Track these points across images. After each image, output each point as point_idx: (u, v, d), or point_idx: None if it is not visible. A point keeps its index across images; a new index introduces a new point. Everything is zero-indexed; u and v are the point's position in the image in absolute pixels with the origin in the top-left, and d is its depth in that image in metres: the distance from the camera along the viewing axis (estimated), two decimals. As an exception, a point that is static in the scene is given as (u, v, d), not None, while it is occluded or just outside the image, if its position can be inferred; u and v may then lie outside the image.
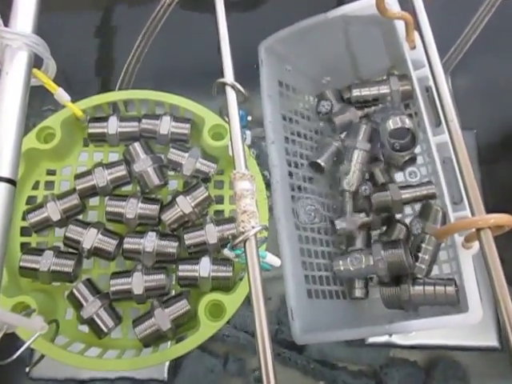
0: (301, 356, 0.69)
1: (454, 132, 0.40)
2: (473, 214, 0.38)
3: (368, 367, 0.69)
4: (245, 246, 0.37)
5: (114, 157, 0.61)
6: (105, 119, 0.59)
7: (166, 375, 0.67)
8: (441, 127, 0.53)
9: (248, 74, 0.61)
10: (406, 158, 0.63)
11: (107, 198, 0.56)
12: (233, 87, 0.43)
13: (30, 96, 0.38)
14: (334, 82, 0.70)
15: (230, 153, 0.40)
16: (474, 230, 0.37)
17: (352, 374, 0.68)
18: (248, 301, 0.70)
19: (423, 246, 0.59)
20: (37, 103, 0.75)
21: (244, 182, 0.39)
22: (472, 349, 0.68)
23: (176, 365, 0.67)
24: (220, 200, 0.60)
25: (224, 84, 0.43)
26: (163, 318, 0.52)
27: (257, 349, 0.34)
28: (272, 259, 0.45)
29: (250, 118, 0.47)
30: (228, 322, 0.64)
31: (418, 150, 0.64)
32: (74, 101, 0.57)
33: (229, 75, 0.44)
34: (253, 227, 0.37)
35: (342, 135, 0.68)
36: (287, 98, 0.67)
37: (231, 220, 0.56)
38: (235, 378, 0.67)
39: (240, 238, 0.37)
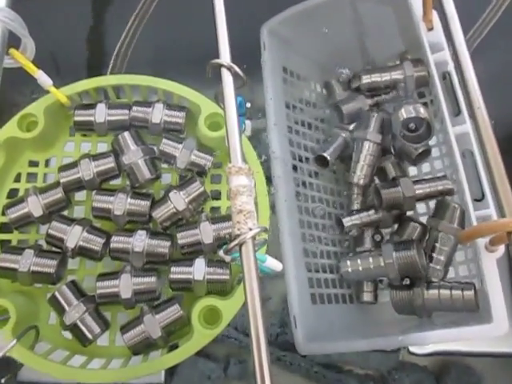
0: (304, 359, 0.64)
1: (481, 120, 0.35)
2: (502, 214, 0.33)
3: (375, 371, 0.65)
4: (240, 251, 0.32)
5: (103, 147, 0.57)
6: (92, 106, 0.55)
7: (162, 378, 0.63)
8: (460, 116, 0.48)
9: (250, 59, 0.57)
10: (420, 150, 0.58)
11: (94, 192, 0.52)
12: (229, 69, 0.38)
13: (21, 83, 0.34)
14: (342, 67, 0.65)
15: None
16: (504, 233, 0.32)
17: (358, 379, 0.64)
18: None
19: (438, 246, 0.54)
20: (28, 91, 0.70)
21: (240, 176, 0.34)
22: (486, 355, 0.63)
23: (173, 369, 0.64)
24: (217, 196, 0.55)
25: (219, 65, 0.38)
26: (153, 325, 0.47)
27: (253, 363, 0.29)
28: (273, 263, 0.41)
29: (248, 105, 0.42)
30: (229, 324, 0.63)
31: (431, 142, 0.59)
32: (62, 87, 0.53)
33: (225, 55, 0.39)
34: (250, 229, 0.32)
35: (351, 127, 0.63)
36: (291, 84, 0.62)
37: (229, 218, 0.51)
38: (236, 381, 0.64)
39: (235, 242, 0.32)
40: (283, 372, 0.64)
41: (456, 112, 0.49)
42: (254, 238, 0.33)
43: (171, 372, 0.63)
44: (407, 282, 0.53)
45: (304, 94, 0.65)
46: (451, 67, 0.49)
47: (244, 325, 0.65)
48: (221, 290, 0.49)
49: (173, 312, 0.48)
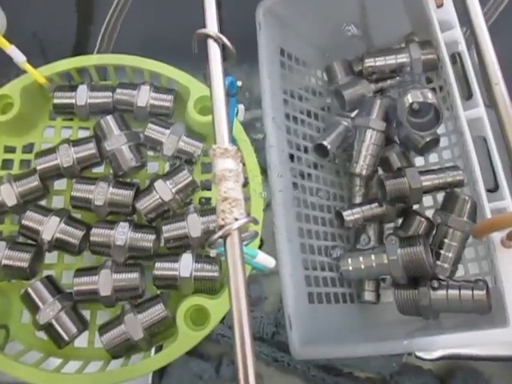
0: (301, 361, 0.61)
1: (500, 98, 0.31)
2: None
3: (377, 375, 0.61)
4: (225, 243, 0.28)
5: (86, 133, 0.53)
6: (73, 88, 0.50)
7: (150, 380, 0.59)
8: (472, 100, 0.44)
9: (246, 45, 0.53)
10: (427, 139, 0.53)
11: (74, 180, 0.48)
12: (216, 40, 0.34)
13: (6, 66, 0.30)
14: (344, 51, 0.60)
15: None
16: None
17: (359, 382, 0.60)
18: None
19: (446, 241, 0.50)
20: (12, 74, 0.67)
21: (226, 159, 0.30)
22: (494, 359, 0.59)
23: (163, 369, 0.60)
24: (207, 186, 0.51)
25: (206, 36, 0.34)
26: (135, 326, 0.43)
27: (236, 371, 0.26)
28: (264, 259, 0.37)
29: (240, 83, 0.38)
30: (222, 322, 0.57)
31: (439, 130, 0.55)
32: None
33: (212, 25, 0.34)
34: (236, 219, 0.28)
35: (353, 114, 0.58)
36: (290, 69, 0.58)
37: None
38: (229, 382, 0.60)
39: (219, 233, 0.28)
40: (280, 374, 0.60)
41: (467, 96, 0.45)
42: (240, 229, 0.29)
43: (160, 372, 0.60)
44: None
45: (304, 79, 0.61)
46: (462, 47, 0.45)
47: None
48: (209, 288, 0.45)
49: (157, 312, 0.44)
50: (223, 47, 0.34)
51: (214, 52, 0.33)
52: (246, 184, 0.48)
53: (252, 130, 0.62)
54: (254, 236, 0.34)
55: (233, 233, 0.28)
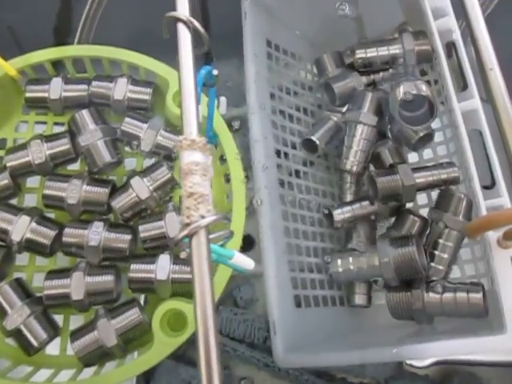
0: (293, 365, 0.58)
1: (495, 84, 0.28)
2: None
3: (371, 379, 0.59)
4: (190, 243, 0.26)
5: (62, 129, 0.50)
6: (46, 81, 0.48)
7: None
8: (467, 91, 0.41)
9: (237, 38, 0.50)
10: (421, 134, 0.51)
11: (46, 178, 0.45)
12: (187, 24, 0.31)
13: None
14: (334, 42, 0.58)
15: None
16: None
17: (352, 388, 0.58)
18: (233, 303, 0.60)
19: (441, 242, 0.47)
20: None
21: (193, 152, 0.27)
22: (492, 364, 0.57)
23: (149, 375, 0.57)
24: None
25: (176, 19, 0.32)
26: (108, 332, 0.40)
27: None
28: (242, 260, 0.34)
29: (216, 72, 0.35)
30: None
31: (434, 125, 0.52)
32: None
33: (183, 8, 0.32)
34: (202, 217, 0.26)
35: (344, 109, 0.56)
36: (277, 61, 0.55)
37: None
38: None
39: (184, 232, 0.26)
40: (271, 378, 0.58)
41: (462, 88, 0.42)
42: (207, 227, 0.26)
43: (147, 378, 0.57)
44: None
45: (293, 72, 0.58)
46: (457, 35, 0.43)
47: (228, 328, 0.59)
48: (188, 291, 0.43)
49: (132, 316, 0.41)
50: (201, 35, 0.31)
51: (184, 36, 0.31)
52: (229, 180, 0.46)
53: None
54: (229, 235, 0.32)
55: (199, 232, 0.26)
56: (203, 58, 0.65)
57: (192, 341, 0.46)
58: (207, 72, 0.37)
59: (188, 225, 0.26)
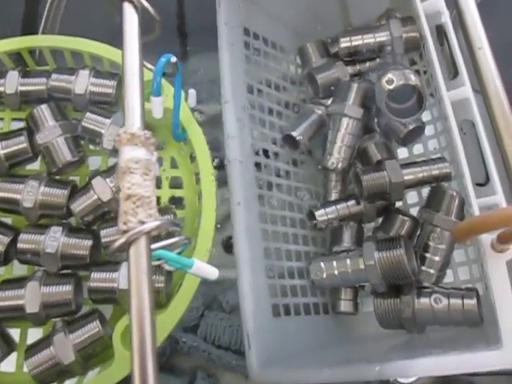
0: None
1: (484, 65, 0.24)
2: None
3: (363, 387, 0.55)
4: (128, 253, 0.22)
5: (21, 125, 0.46)
6: (2, 75, 0.44)
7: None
8: (458, 79, 0.37)
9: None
10: (410, 127, 0.47)
11: (0, 179, 0.41)
12: (133, 2, 0.27)
13: None
14: (319, 31, 0.54)
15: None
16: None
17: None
18: (218, 308, 0.57)
19: (432, 244, 0.44)
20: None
21: (133, 148, 0.23)
22: (492, 373, 0.53)
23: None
24: (178, 183, 0.45)
25: (122, -2, 0.28)
26: (65, 348, 0.37)
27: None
28: (203, 269, 0.30)
29: (174, 60, 0.32)
30: (195, 333, 0.53)
31: (424, 117, 0.48)
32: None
33: (130, -15, 0.28)
34: (142, 222, 0.22)
35: (328, 102, 0.52)
36: (256, 51, 0.52)
37: (170, 209, 0.41)
38: (205, 397, 0.54)
39: (121, 241, 0.22)
40: (260, 387, 0.54)
41: (454, 73, 0.39)
42: (149, 235, 0.22)
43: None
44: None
45: (274, 63, 0.54)
46: (446, 18, 0.39)
47: (213, 335, 0.55)
48: (156, 302, 0.39)
49: (91, 331, 0.37)
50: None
51: (130, 17, 0.27)
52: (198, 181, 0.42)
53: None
54: (185, 242, 0.28)
55: (139, 240, 0.22)
56: (180, 55, 0.61)
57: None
58: (166, 61, 0.34)
59: (125, 232, 0.22)
